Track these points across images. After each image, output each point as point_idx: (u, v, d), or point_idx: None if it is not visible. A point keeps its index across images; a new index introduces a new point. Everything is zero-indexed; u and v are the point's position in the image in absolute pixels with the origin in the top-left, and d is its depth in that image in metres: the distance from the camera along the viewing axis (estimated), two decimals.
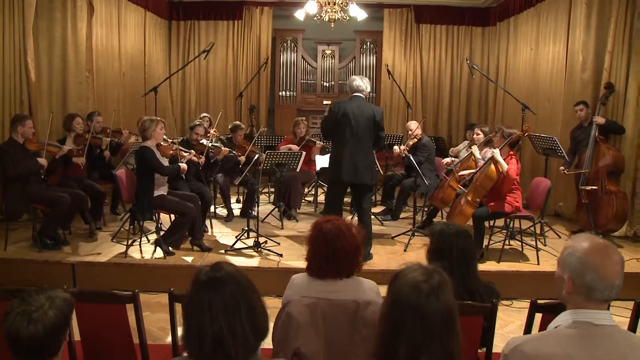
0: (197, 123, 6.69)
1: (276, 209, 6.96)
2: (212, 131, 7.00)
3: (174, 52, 10.16)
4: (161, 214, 5.73)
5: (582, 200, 6.11)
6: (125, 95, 8.38)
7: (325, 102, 10.67)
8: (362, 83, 5.22)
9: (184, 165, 5.59)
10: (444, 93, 10.25)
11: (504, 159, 5.29)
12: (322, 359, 2.45)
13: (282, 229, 6.53)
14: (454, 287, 2.54)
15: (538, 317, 2.67)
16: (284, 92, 10.61)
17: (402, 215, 7.17)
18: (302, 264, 5.10)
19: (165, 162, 5.51)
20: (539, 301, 2.61)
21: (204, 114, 8.07)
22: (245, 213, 7.04)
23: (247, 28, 10.18)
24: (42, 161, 5.42)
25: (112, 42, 7.93)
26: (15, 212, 5.37)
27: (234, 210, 7.09)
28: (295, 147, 7.22)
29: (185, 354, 1.78)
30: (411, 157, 5.87)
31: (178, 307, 2.57)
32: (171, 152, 5.68)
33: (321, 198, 7.96)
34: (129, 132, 7.02)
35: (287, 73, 10.59)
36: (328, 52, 10.65)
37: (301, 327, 2.41)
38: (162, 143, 5.58)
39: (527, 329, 2.64)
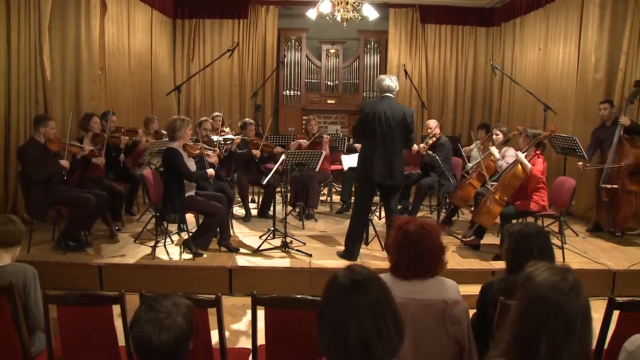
0: (204, 119, 6.67)
1: (294, 209, 6.94)
2: (226, 129, 6.97)
3: (178, 50, 10.07)
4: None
5: (602, 199, 6.20)
6: (134, 94, 8.28)
7: (329, 102, 10.68)
8: (391, 83, 5.17)
9: (211, 172, 5.55)
10: (449, 93, 10.31)
11: (530, 159, 5.35)
12: (410, 358, 2.45)
13: (303, 228, 6.51)
14: None
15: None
16: (288, 92, 10.56)
17: (419, 214, 7.20)
18: (333, 263, 5.19)
19: (191, 162, 5.46)
20: (618, 299, 2.64)
21: (216, 113, 8.01)
22: (264, 213, 7.03)
23: (253, 27, 10.13)
24: (64, 162, 5.35)
25: (122, 41, 7.83)
26: (40, 214, 5.26)
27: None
28: (304, 142, 7.22)
29: None
30: (437, 157, 5.90)
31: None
32: (197, 151, 5.63)
33: (335, 198, 7.96)
34: (144, 132, 6.94)
35: (291, 72, 10.53)
36: (332, 51, 10.63)
37: None
38: (188, 143, 5.53)
39: (604, 327, 2.66)
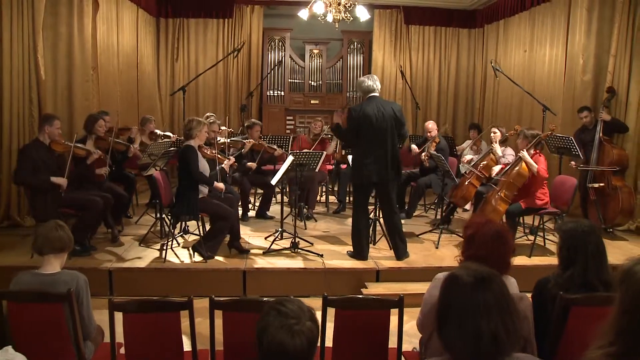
0: (212, 120, 6.58)
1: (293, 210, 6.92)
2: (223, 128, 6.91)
3: (162, 50, 9.88)
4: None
5: (591, 197, 6.47)
6: (123, 94, 8.10)
7: (312, 102, 10.69)
8: (371, 82, 5.22)
9: (220, 185, 5.46)
10: (433, 94, 10.47)
11: (532, 157, 5.51)
12: None
13: (306, 229, 6.50)
14: (590, 280, 2.69)
15: None
16: (271, 92, 10.51)
17: (415, 213, 7.31)
18: (347, 263, 5.21)
19: (204, 164, 5.38)
20: None
21: (209, 114, 7.88)
22: (262, 213, 7.00)
23: (238, 27, 10.03)
24: (60, 180, 5.08)
25: (112, 39, 7.66)
26: (46, 217, 5.06)
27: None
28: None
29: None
30: (442, 157, 6.01)
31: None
32: (210, 155, 5.56)
33: (330, 198, 7.98)
34: (138, 129, 6.81)
35: (274, 72, 10.47)
36: (316, 51, 10.63)
37: None
38: (203, 145, 5.46)
39: None
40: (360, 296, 2.71)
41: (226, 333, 2.58)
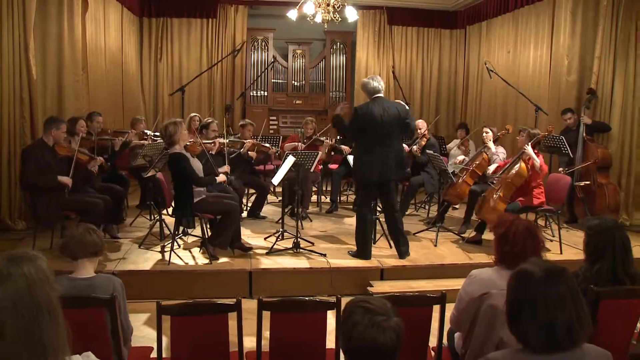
0: (210, 120, 6.57)
1: (289, 210, 6.94)
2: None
3: (145, 49, 9.75)
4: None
5: (578, 195, 6.69)
6: (110, 94, 7.96)
7: (296, 102, 10.71)
8: (376, 83, 5.25)
9: (222, 178, 5.44)
10: (416, 94, 10.61)
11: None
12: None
13: (303, 228, 6.50)
14: (618, 274, 2.80)
15: None
16: (254, 92, 10.48)
17: (407, 211, 7.40)
18: (352, 262, 5.25)
19: (196, 162, 5.33)
20: None
21: (194, 114, 7.82)
22: (254, 214, 6.99)
23: (222, 27, 9.96)
24: (66, 180, 5.08)
25: (100, 39, 7.53)
26: (49, 221, 4.96)
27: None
28: (300, 146, 7.26)
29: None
30: (439, 157, 6.11)
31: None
32: (199, 148, 5.53)
33: (322, 198, 8.00)
34: (134, 132, 6.71)
35: (258, 72, 10.44)
36: (299, 51, 10.65)
37: None
38: (187, 143, 5.42)
39: None
40: (399, 293, 2.73)
41: (273, 334, 2.58)
